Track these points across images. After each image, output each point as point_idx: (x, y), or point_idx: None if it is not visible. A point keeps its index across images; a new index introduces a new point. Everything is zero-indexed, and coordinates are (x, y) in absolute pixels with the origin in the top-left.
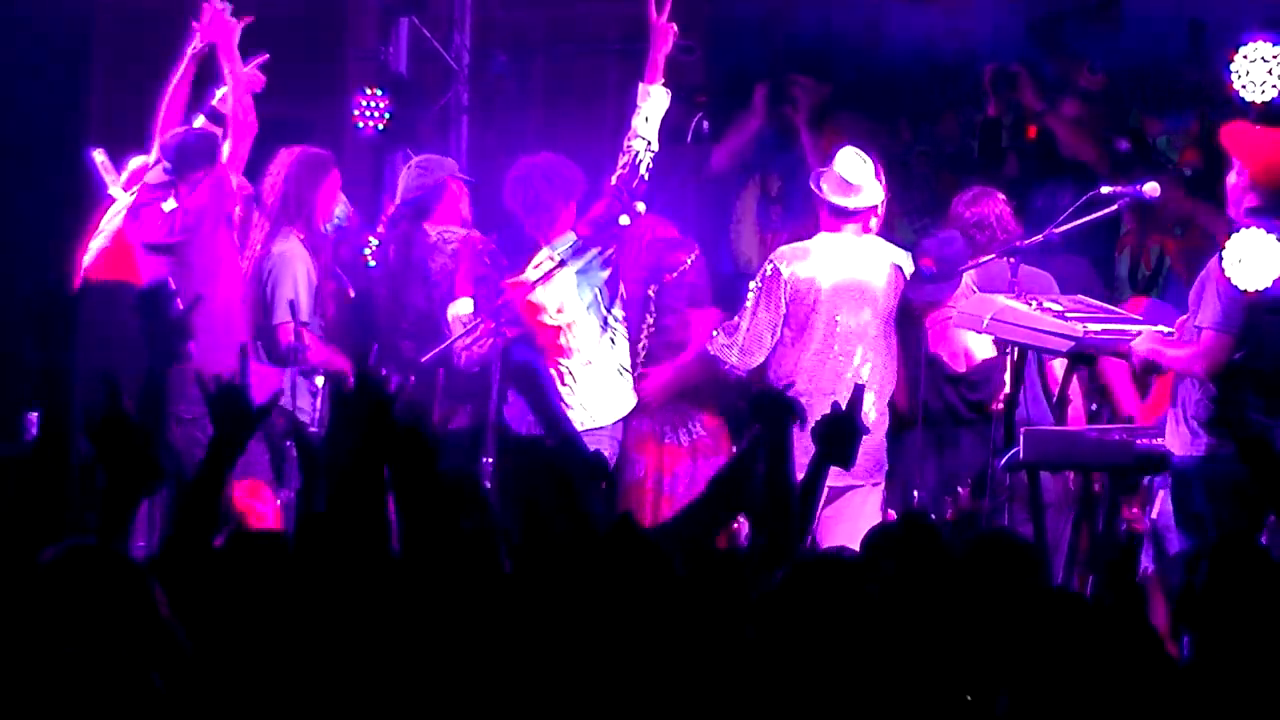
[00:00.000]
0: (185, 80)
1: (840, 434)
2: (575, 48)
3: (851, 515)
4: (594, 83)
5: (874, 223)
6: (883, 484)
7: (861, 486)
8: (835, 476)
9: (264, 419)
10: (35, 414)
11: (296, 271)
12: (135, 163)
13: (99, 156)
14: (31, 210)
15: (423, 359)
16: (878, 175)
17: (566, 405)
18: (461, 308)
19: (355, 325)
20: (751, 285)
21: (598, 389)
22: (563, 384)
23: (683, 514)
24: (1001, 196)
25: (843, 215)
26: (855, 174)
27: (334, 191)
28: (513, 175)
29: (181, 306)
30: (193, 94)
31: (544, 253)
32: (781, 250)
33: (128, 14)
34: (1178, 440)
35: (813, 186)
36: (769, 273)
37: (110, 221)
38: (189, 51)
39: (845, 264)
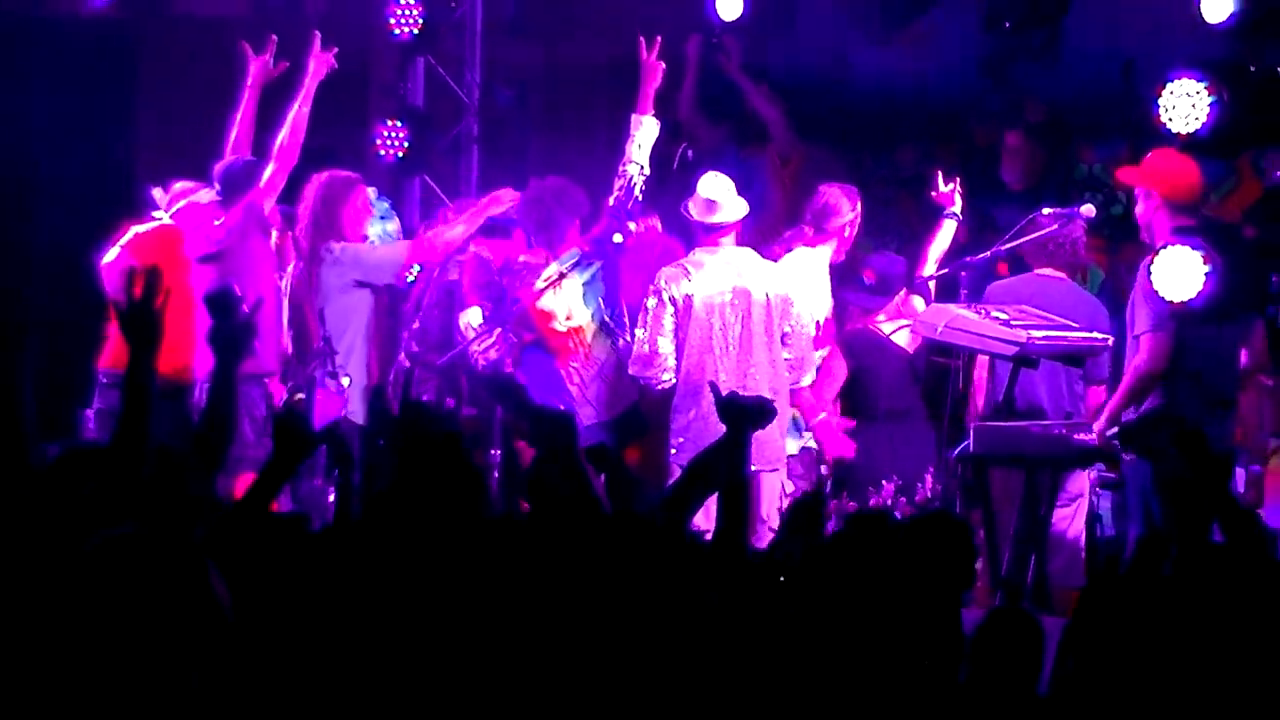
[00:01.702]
0: (249, 112)
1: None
2: (570, 84)
3: (762, 497)
4: (586, 114)
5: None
6: (781, 470)
7: (762, 471)
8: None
9: (321, 443)
10: (90, 410)
11: (358, 253)
12: (178, 187)
13: (158, 194)
14: (81, 232)
15: (439, 362)
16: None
17: (572, 405)
18: (472, 316)
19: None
20: (645, 304)
21: (602, 388)
22: (572, 383)
23: (661, 500)
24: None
25: (714, 231)
26: (716, 192)
27: (363, 207)
28: (527, 196)
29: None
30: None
31: (553, 266)
32: (664, 270)
33: (173, 45)
34: None
35: (683, 212)
36: (655, 291)
37: (133, 234)
38: (248, 85)
39: (723, 276)
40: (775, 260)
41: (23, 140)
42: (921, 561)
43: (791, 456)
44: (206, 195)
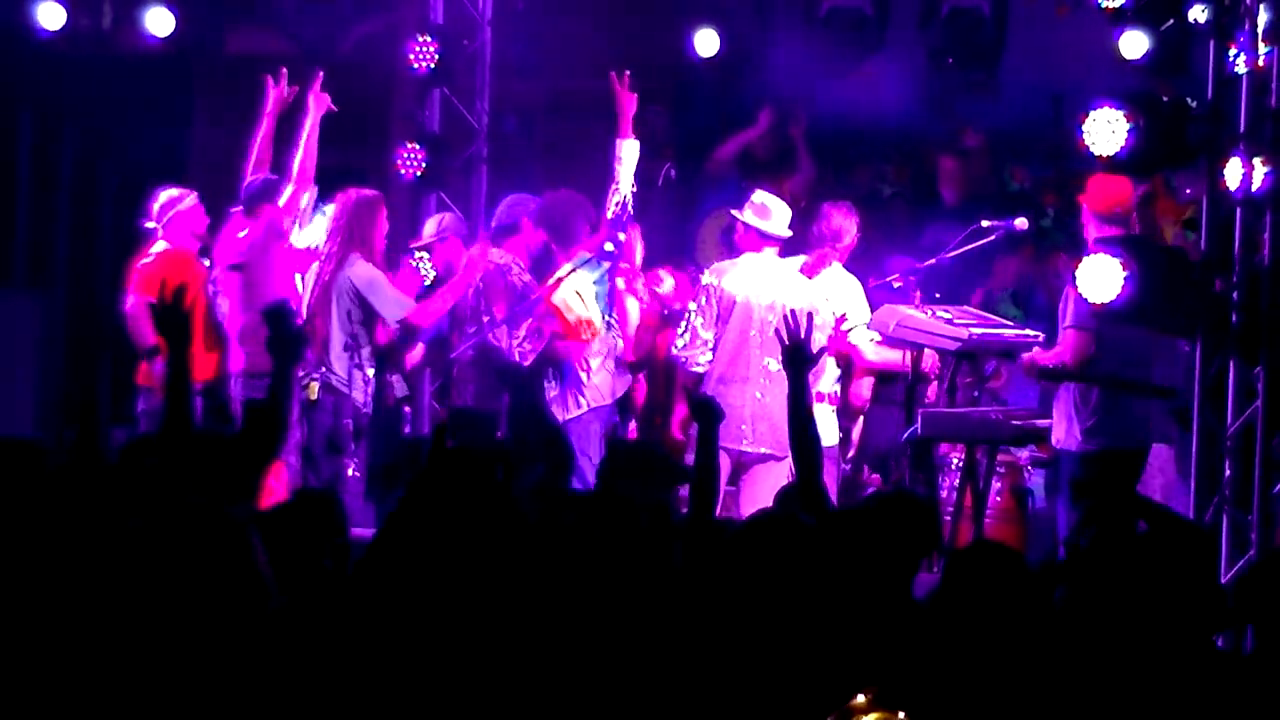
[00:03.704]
0: (268, 135)
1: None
2: (569, 113)
3: (769, 481)
4: (583, 140)
5: (839, 256)
6: (789, 458)
7: (777, 458)
8: (754, 447)
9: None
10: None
11: (376, 276)
12: (164, 197)
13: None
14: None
15: (452, 355)
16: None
17: (582, 388)
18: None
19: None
20: (697, 293)
21: (605, 376)
22: (582, 370)
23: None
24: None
25: (765, 239)
26: (772, 203)
27: (385, 222)
28: (543, 205)
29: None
30: (275, 146)
31: (566, 267)
32: (715, 265)
33: (224, 69)
34: (1060, 429)
35: (736, 214)
36: (704, 285)
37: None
38: (266, 112)
39: (764, 279)
40: (811, 275)
41: (93, 161)
42: (889, 538)
43: None
44: (190, 201)
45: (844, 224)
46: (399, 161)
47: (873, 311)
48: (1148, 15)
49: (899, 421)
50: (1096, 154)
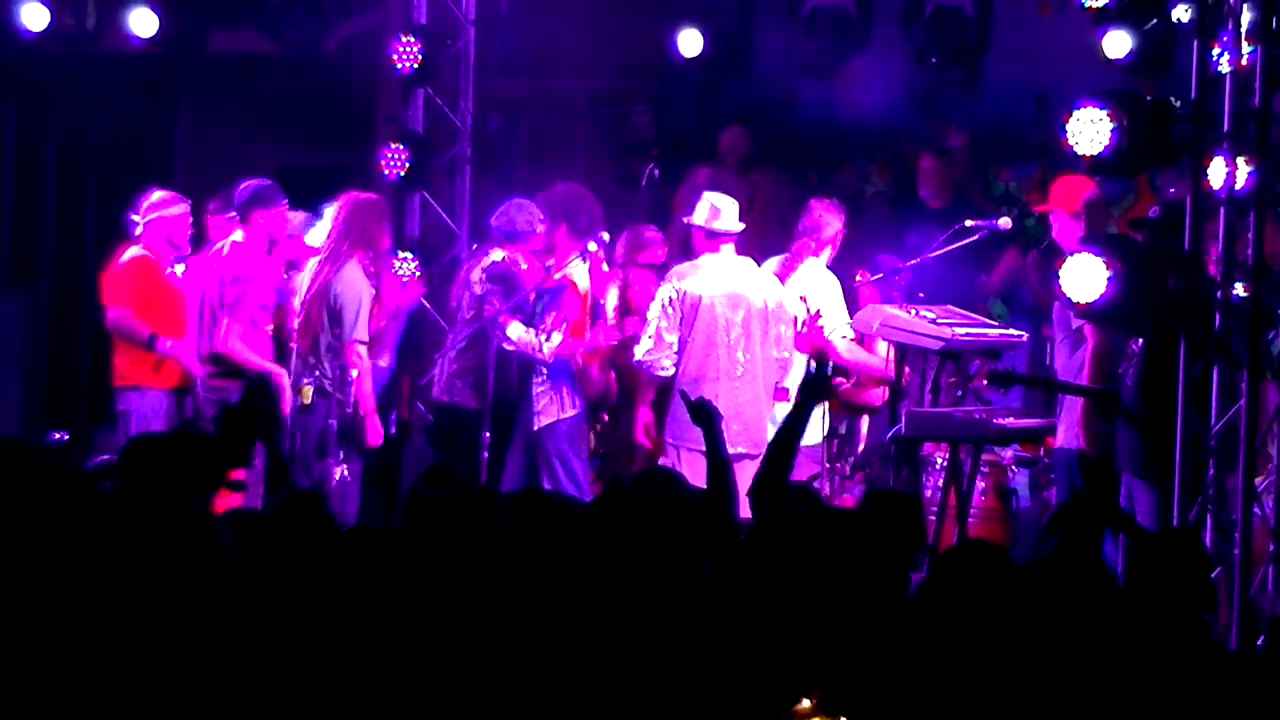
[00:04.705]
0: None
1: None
2: (552, 112)
3: (743, 479)
4: (566, 139)
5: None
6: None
7: (752, 456)
8: (731, 447)
9: None
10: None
11: (362, 294)
12: (154, 198)
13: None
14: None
15: (446, 348)
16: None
17: (575, 386)
18: (515, 330)
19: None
20: (658, 296)
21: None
22: (575, 369)
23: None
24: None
25: (716, 237)
26: (721, 202)
27: (389, 225)
28: (557, 194)
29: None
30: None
31: (574, 256)
32: (675, 268)
33: (208, 70)
34: (1061, 429)
35: (686, 220)
36: (666, 287)
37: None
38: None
39: (725, 278)
40: (789, 271)
41: (78, 162)
42: (878, 535)
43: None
44: (178, 209)
45: (825, 217)
46: (382, 161)
47: (855, 310)
48: (1131, 14)
49: (883, 420)
50: (1080, 154)
